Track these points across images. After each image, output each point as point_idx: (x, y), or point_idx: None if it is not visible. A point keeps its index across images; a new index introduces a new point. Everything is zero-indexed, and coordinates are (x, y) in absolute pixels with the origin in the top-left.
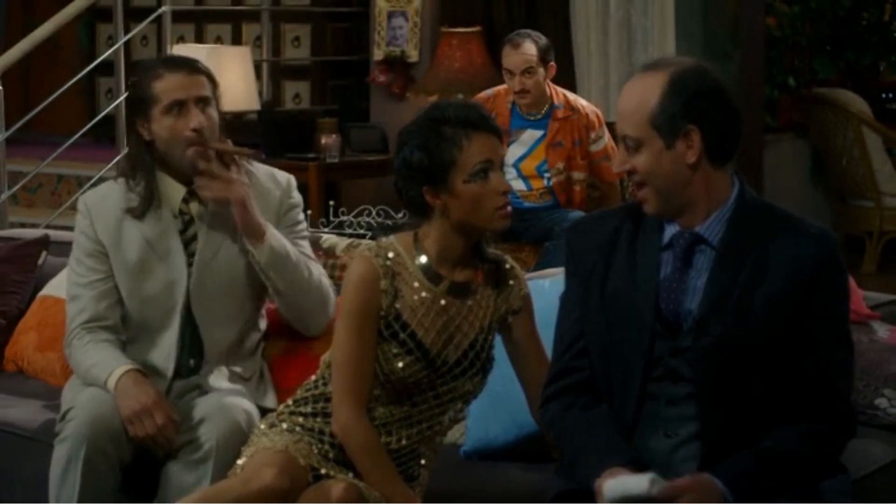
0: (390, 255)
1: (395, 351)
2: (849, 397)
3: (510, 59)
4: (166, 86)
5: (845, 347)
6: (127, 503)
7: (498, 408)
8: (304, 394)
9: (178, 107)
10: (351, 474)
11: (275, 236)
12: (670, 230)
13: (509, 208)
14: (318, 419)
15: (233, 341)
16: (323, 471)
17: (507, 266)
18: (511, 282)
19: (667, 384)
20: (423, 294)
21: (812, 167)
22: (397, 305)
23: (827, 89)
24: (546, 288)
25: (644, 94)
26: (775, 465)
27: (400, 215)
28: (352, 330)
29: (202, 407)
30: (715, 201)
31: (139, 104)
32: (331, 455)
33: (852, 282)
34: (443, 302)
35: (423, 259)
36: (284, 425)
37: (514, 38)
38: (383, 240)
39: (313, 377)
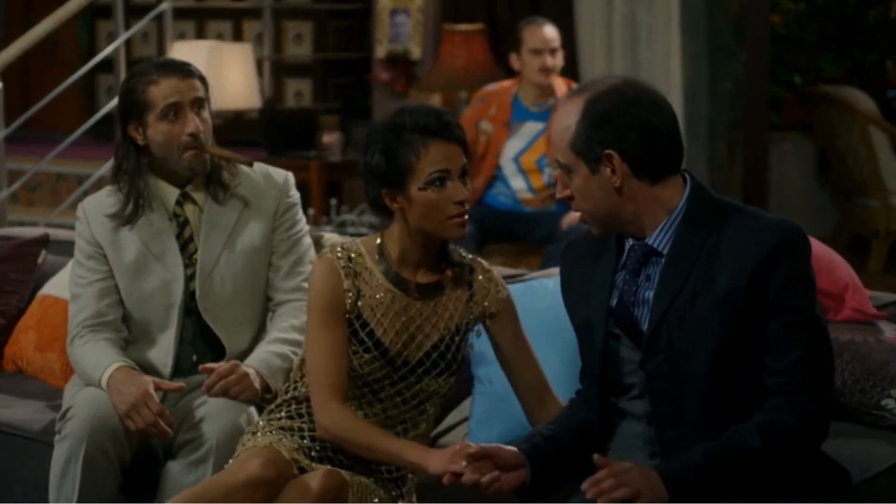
0: (352, 255)
1: (353, 349)
2: (819, 391)
3: (538, 36)
4: (162, 91)
5: (809, 339)
6: (127, 503)
7: (501, 409)
8: (279, 401)
9: (175, 111)
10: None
11: (269, 374)
12: (628, 245)
13: (465, 217)
14: (295, 420)
15: (250, 343)
16: (303, 463)
17: (483, 268)
18: (486, 285)
19: (645, 402)
20: (382, 294)
21: (818, 166)
22: (359, 304)
23: (833, 87)
24: (550, 287)
25: (565, 119)
26: (725, 457)
27: None
28: (320, 328)
29: (202, 406)
30: (662, 211)
31: (133, 109)
32: (314, 453)
33: (858, 280)
34: (403, 303)
35: (384, 260)
36: (269, 427)
37: (535, 20)
38: (348, 241)
39: (290, 379)
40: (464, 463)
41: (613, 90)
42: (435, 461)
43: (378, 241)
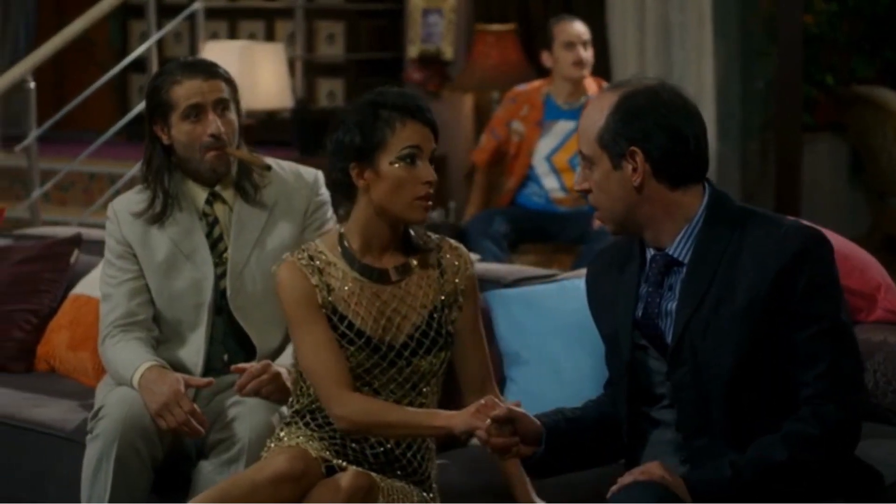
0: (312, 254)
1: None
2: (847, 398)
3: (570, 30)
4: (184, 91)
5: (835, 347)
6: (160, 503)
7: (533, 410)
8: (290, 411)
9: (196, 112)
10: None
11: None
12: (649, 255)
13: (430, 202)
14: (315, 431)
15: (281, 343)
16: (334, 462)
17: (451, 246)
18: (456, 262)
19: (675, 410)
20: (351, 284)
21: (851, 166)
22: (330, 299)
23: (865, 87)
24: (582, 288)
25: (597, 112)
26: (752, 470)
27: (434, 214)
28: (303, 327)
29: (235, 406)
30: (680, 219)
31: (158, 109)
32: (340, 455)
33: (890, 281)
34: (373, 289)
35: (347, 251)
36: (293, 434)
37: (565, 16)
38: (305, 244)
39: (290, 398)
40: (487, 421)
41: (649, 90)
42: (459, 420)
43: (337, 235)
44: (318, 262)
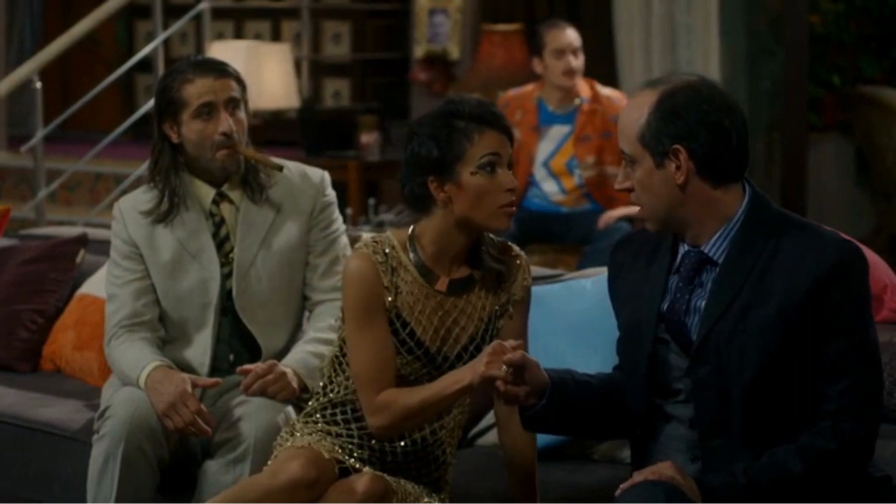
0: (387, 250)
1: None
2: (865, 415)
3: (560, 38)
4: (196, 89)
5: (860, 363)
6: (165, 503)
7: None
8: (314, 405)
9: (208, 110)
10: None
11: (307, 374)
12: (682, 250)
13: (513, 209)
14: (332, 426)
15: (286, 343)
16: (348, 463)
17: (513, 253)
18: (514, 271)
19: (690, 407)
20: (417, 290)
21: (857, 167)
22: (397, 304)
23: (872, 87)
24: (588, 288)
25: (636, 110)
26: (766, 478)
27: None
28: (362, 330)
29: (241, 406)
30: (720, 218)
31: (168, 107)
32: (356, 454)
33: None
34: (438, 299)
35: (418, 255)
36: (307, 430)
37: (555, 22)
38: (379, 235)
39: (320, 382)
40: (503, 368)
41: (689, 87)
42: (476, 372)
43: (409, 233)
44: (392, 262)
